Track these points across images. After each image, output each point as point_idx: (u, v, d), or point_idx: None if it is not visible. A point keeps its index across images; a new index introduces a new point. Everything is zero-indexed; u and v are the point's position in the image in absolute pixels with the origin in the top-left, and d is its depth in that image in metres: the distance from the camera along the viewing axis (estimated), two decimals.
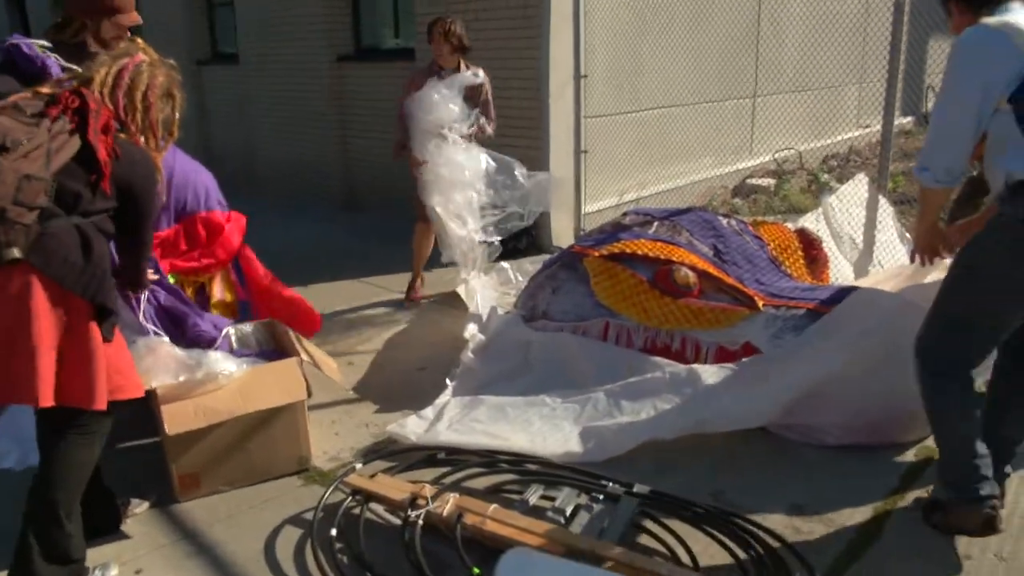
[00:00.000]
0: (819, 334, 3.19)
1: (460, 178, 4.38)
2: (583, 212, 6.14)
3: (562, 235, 6.08)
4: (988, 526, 2.36)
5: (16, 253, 2.19)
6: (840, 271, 4.22)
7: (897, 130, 11.09)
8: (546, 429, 3.19)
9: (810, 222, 4.40)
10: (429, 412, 3.40)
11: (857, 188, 4.55)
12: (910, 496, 2.80)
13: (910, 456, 3.04)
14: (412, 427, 3.27)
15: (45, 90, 2.37)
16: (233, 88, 9.17)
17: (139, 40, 2.67)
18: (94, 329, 2.32)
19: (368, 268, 5.82)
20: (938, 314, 2.45)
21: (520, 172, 4.55)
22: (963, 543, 2.54)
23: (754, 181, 8.11)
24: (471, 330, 3.89)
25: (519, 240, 5.98)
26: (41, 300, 2.23)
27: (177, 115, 2.64)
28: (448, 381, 3.62)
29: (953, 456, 2.46)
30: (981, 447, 2.40)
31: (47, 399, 2.22)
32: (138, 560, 2.65)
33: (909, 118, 11.23)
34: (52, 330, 2.25)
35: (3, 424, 3.28)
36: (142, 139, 2.48)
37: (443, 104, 4.32)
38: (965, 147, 2.30)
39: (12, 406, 3.10)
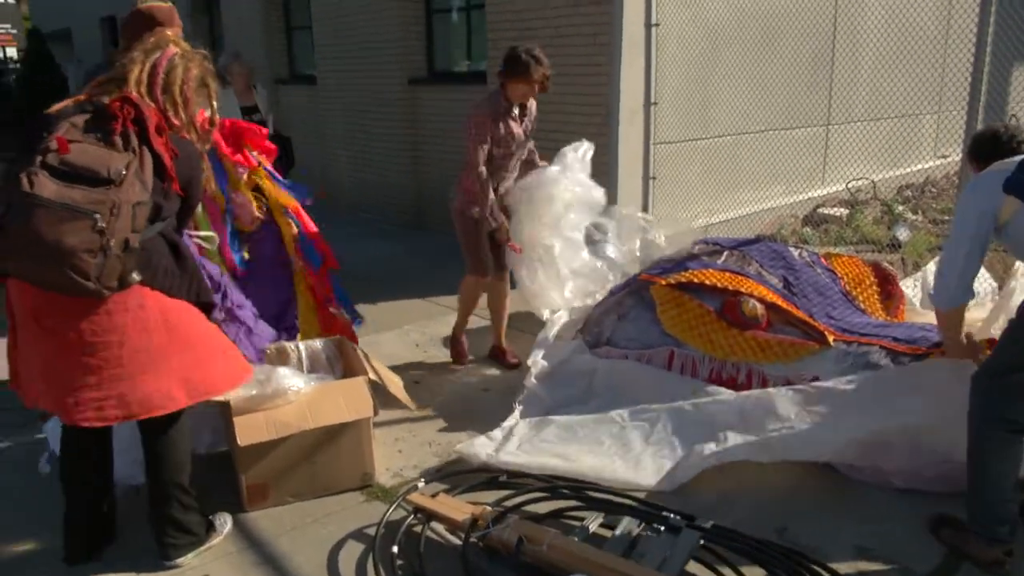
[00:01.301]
0: (902, 377, 3.11)
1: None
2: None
3: None
4: (996, 565, 2.53)
5: (137, 277, 2.35)
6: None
7: None
8: (615, 448, 3.19)
9: (908, 286, 4.30)
10: (498, 433, 3.41)
11: None
12: None
13: None
14: (480, 447, 3.29)
15: (82, 97, 2.41)
16: (310, 107, 9.45)
17: (168, 32, 2.67)
18: (201, 322, 2.57)
19: (434, 288, 5.90)
20: (998, 353, 2.59)
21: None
22: None
23: (825, 211, 7.95)
24: (535, 357, 3.89)
25: None
26: (158, 308, 2.42)
27: (215, 104, 2.70)
28: (515, 405, 3.63)
29: (983, 491, 2.56)
30: (1012, 491, 2.53)
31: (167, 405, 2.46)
32: (206, 566, 2.74)
33: None
34: (168, 334, 2.45)
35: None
36: (186, 133, 2.55)
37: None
38: (967, 271, 2.64)
39: None
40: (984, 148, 2.77)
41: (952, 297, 2.72)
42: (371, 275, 6.44)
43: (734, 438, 3.09)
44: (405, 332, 5.09)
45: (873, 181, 8.31)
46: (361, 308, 5.57)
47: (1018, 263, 3.64)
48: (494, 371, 4.39)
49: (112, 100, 2.34)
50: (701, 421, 3.23)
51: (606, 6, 5.65)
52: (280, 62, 10.03)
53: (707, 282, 3.68)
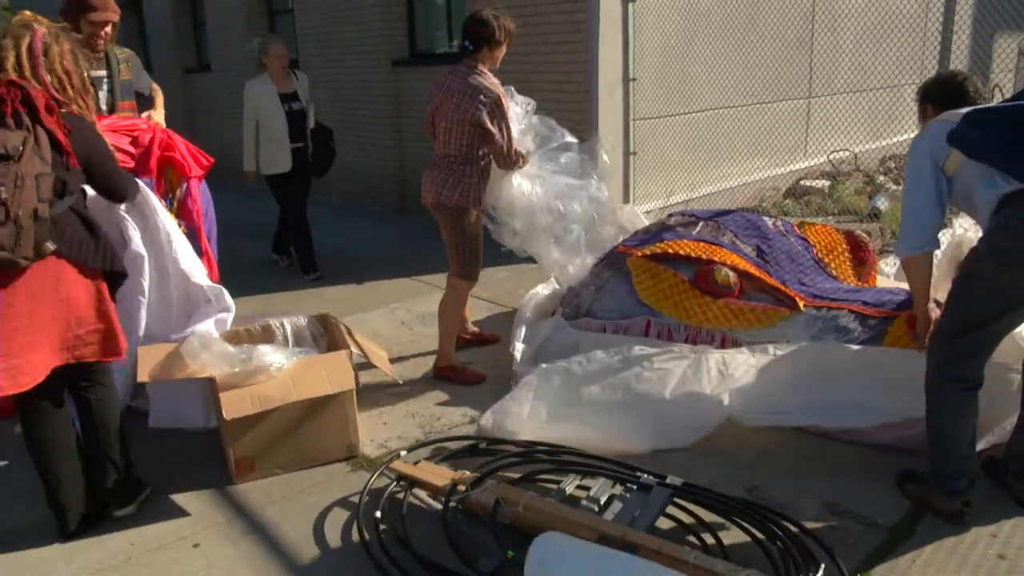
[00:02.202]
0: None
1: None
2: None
3: None
4: (956, 517, 2.64)
5: (52, 246, 2.52)
6: None
7: None
8: (624, 411, 3.16)
9: (889, 264, 4.37)
10: (509, 405, 3.28)
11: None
12: None
13: None
14: (500, 419, 3.25)
15: None
16: None
17: (27, 12, 2.74)
18: (106, 292, 2.72)
19: (419, 267, 5.99)
20: (946, 316, 2.63)
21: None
22: (999, 543, 2.55)
23: (808, 183, 8.03)
24: (515, 342, 3.95)
25: None
26: (75, 277, 2.60)
27: (85, 74, 2.77)
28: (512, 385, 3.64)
29: (943, 449, 2.65)
30: (969, 448, 2.63)
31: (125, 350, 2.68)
32: (196, 536, 2.82)
33: None
34: (70, 305, 2.61)
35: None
36: (75, 107, 2.66)
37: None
38: (929, 217, 2.64)
39: None
40: (934, 93, 2.79)
41: (912, 244, 2.70)
42: (357, 256, 6.52)
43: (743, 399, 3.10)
44: (391, 310, 5.17)
45: (855, 153, 8.37)
46: (348, 288, 5.71)
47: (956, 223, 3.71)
48: (477, 346, 4.46)
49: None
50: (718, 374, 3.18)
51: None
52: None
53: (681, 252, 3.77)
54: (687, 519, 2.65)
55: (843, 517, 2.73)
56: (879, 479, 2.92)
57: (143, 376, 3.04)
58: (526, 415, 3.17)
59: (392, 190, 8.27)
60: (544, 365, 3.34)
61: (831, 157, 8.28)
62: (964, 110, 2.56)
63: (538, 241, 4.00)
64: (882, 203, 6.94)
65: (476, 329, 4.52)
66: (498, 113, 3.65)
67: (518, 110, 3.92)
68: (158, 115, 4.20)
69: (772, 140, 7.66)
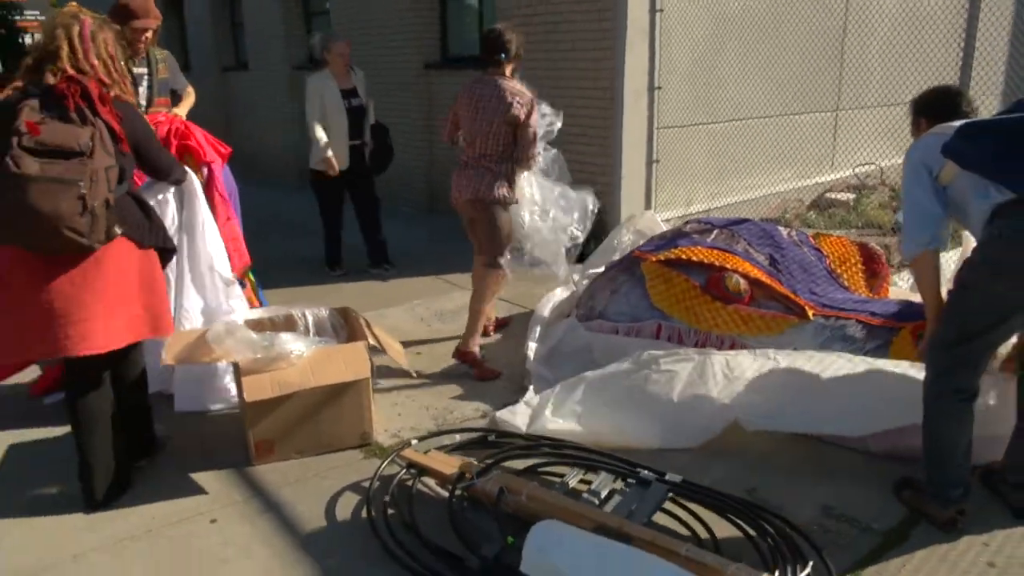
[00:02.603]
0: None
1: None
2: (624, 220, 6.25)
3: None
4: (950, 524, 2.70)
5: (119, 230, 2.77)
6: None
7: None
8: (639, 412, 3.26)
9: (904, 279, 4.43)
10: (529, 403, 3.45)
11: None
12: None
13: None
14: (519, 416, 3.39)
15: (19, 84, 2.71)
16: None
17: (74, 4, 2.95)
18: (160, 271, 2.99)
19: (444, 267, 6.11)
20: (942, 326, 2.70)
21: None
22: (990, 551, 2.60)
23: (833, 195, 8.04)
24: (529, 341, 4.09)
25: (587, 246, 6.17)
26: (136, 255, 2.86)
27: (123, 62, 2.95)
28: (527, 385, 3.77)
29: (939, 458, 2.71)
30: (964, 458, 2.68)
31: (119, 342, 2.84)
32: (213, 512, 2.96)
33: None
34: (134, 281, 2.86)
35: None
36: (117, 90, 2.84)
37: None
38: (930, 213, 2.69)
39: None
40: (927, 107, 2.88)
41: (917, 243, 2.73)
42: (394, 256, 6.64)
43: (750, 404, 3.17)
44: (412, 307, 5.29)
45: (880, 167, 8.36)
46: (372, 285, 5.84)
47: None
48: (492, 344, 4.57)
49: (59, 81, 2.67)
50: (728, 376, 3.25)
51: None
52: (299, 48, 10.24)
53: (694, 258, 3.84)
54: (683, 514, 2.73)
55: (838, 520, 2.79)
56: (876, 485, 2.98)
57: (169, 359, 3.19)
58: (537, 416, 3.28)
59: (422, 190, 8.41)
60: (562, 383, 3.46)
61: (857, 171, 8.27)
62: (957, 123, 2.62)
63: (526, 236, 4.33)
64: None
65: (493, 318, 4.72)
66: (532, 113, 3.95)
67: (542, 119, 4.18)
68: (181, 110, 4.47)
69: (799, 152, 7.68)
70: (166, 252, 3.07)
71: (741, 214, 6.74)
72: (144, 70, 4.47)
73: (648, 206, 6.22)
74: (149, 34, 4.30)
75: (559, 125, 4.31)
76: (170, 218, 3.54)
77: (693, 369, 3.24)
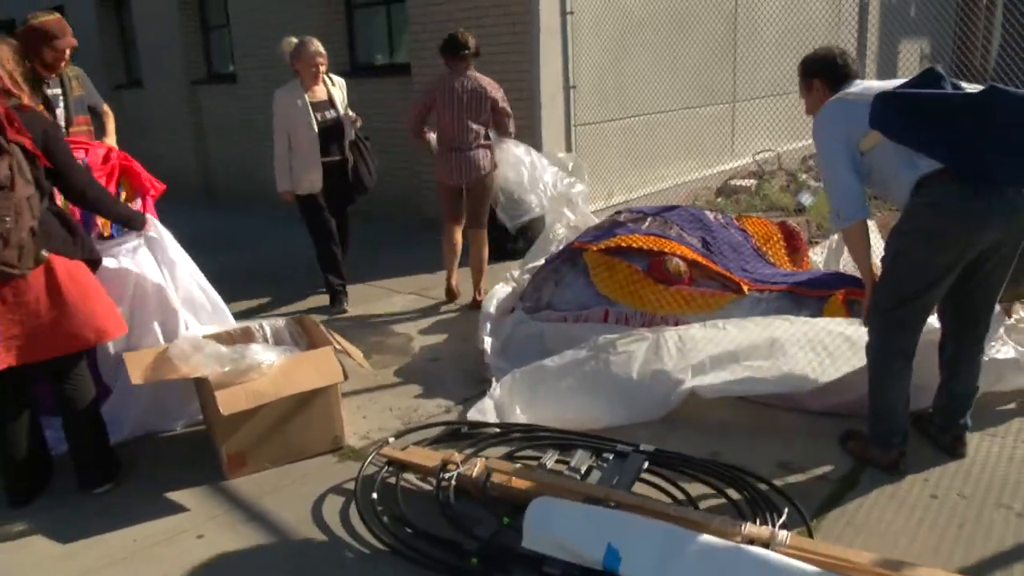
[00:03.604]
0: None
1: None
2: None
3: None
4: (893, 467, 2.97)
5: (46, 254, 2.86)
6: None
7: None
8: (603, 393, 3.43)
9: (816, 253, 4.76)
10: (496, 395, 3.58)
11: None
12: None
13: None
14: (488, 410, 3.52)
15: None
16: (230, 106, 9.47)
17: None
18: (93, 279, 3.05)
19: (374, 272, 6.14)
20: (880, 293, 2.91)
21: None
22: (931, 485, 2.90)
23: (736, 182, 8.50)
24: (482, 334, 4.22)
25: (515, 242, 6.34)
26: (63, 270, 2.91)
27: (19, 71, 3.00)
28: (491, 377, 3.86)
29: (883, 410, 2.98)
30: (904, 408, 2.97)
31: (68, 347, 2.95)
32: (197, 528, 2.95)
33: None
34: (74, 291, 2.92)
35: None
36: (15, 90, 2.89)
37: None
38: (855, 188, 2.85)
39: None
40: (821, 69, 2.99)
41: (844, 217, 2.87)
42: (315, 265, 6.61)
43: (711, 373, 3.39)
44: (358, 314, 5.31)
45: (778, 153, 8.89)
46: (320, 297, 5.80)
47: None
48: (441, 343, 4.67)
49: None
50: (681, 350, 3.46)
51: None
52: (198, 63, 10.01)
53: (634, 245, 4.06)
54: (658, 481, 2.92)
55: (796, 473, 3.04)
56: (822, 440, 3.25)
57: (136, 379, 3.16)
58: (506, 408, 3.41)
59: None
60: (519, 370, 3.60)
61: (756, 157, 8.77)
62: (857, 87, 2.86)
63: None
64: (806, 199, 7.42)
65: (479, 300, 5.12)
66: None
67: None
68: (110, 140, 4.40)
69: (701, 142, 8.09)
70: (92, 263, 3.11)
71: (656, 204, 7.06)
72: (58, 91, 4.34)
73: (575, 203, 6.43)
74: (68, 53, 4.18)
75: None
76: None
77: (648, 347, 3.44)
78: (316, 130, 4.98)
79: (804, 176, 8.82)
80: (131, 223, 3.43)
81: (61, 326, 2.92)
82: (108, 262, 3.30)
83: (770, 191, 8.11)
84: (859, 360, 3.15)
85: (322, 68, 5.01)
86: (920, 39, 11.52)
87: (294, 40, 5.06)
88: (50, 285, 2.89)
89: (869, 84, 2.92)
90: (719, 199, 8.11)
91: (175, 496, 3.17)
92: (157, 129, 10.50)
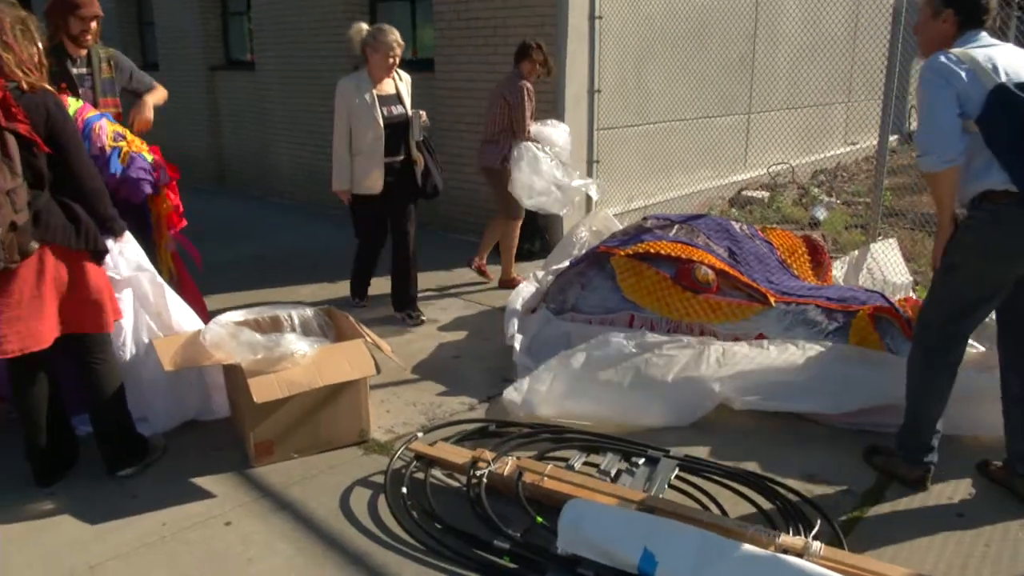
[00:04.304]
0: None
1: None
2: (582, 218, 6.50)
3: None
4: (920, 483, 2.98)
5: (35, 245, 2.78)
6: None
7: None
8: (634, 393, 3.48)
9: (836, 268, 4.78)
10: (525, 386, 3.60)
11: (887, 248, 4.90)
12: None
13: None
14: (522, 398, 3.55)
15: None
16: (248, 94, 9.46)
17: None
18: (95, 269, 2.97)
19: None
20: (933, 305, 2.90)
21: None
22: (956, 503, 2.92)
23: (749, 193, 8.54)
24: (511, 331, 4.23)
25: (532, 243, 6.36)
26: (51, 265, 2.83)
27: (40, 45, 2.90)
28: (515, 376, 3.85)
29: (918, 425, 2.98)
30: (939, 425, 2.97)
31: (50, 339, 2.87)
32: (226, 514, 2.96)
33: (894, 137, 11.77)
34: (60, 285, 2.86)
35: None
36: (20, 73, 2.76)
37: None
38: (957, 130, 2.64)
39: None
40: (966, 3, 2.75)
41: (943, 159, 2.65)
42: (327, 259, 6.62)
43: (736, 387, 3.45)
44: (373, 308, 5.32)
45: (792, 165, 8.93)
46: (324, 287, 5.82)
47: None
48: (462, 340, 4.68)
49: None
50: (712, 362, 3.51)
51: None
52: (216, 48, 9.99)
53: (663, 252, 4.08)
54: (686, 487, 2.94)
55: (820, 484, 3.06)
56: (847, 453, 3.27)
57: (168, 365, 3.16)
58: (545, 392, 3.44)
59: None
60: (565, 351, 3.63)
61: (770, 169, 8.81)
62: (984, 51, 2.67)
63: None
64: (820, 213, 7.47)
65: (513, 276, 5.61)
66: (524, 99, 5.21)
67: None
68: (150, 99, 4.31)
69: (716, 152, 8.13)
70: (99, 254, 3.02)
71: (671, 211, 7.09)
72: (85, 70, 4.31)
73: (590, 203, 6.45)
74: (95, 24, 4.15)
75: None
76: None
77: (692, 355, 3.48)
78: (383, 126, 4.56)
79: (816, 190, 8.87)
80: (112, 226, 3.16)
81: (41, 319, 2.84)
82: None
83: (783, 204, 8.16)
84: (890, 391, 3.21)
85: (398, 59, 4.59)
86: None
87: (365, 26, 4.64)
88: (37, 277, 2.81)
89: (996, 48, 2.71)
90: (732, 209, 8.15)
91: (201, 482, 3.17)
92: (171, 112, 10.44)
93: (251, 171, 9.70)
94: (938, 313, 2.88)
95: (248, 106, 9.49)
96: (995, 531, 2.77)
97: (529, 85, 5.26)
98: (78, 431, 3.36)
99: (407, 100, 4.72)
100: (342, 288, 5.77)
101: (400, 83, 4.72)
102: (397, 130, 4.62)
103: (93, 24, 4.13)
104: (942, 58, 2.69)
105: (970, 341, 3.17)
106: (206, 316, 3.86)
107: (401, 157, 4.70)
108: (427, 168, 4.73)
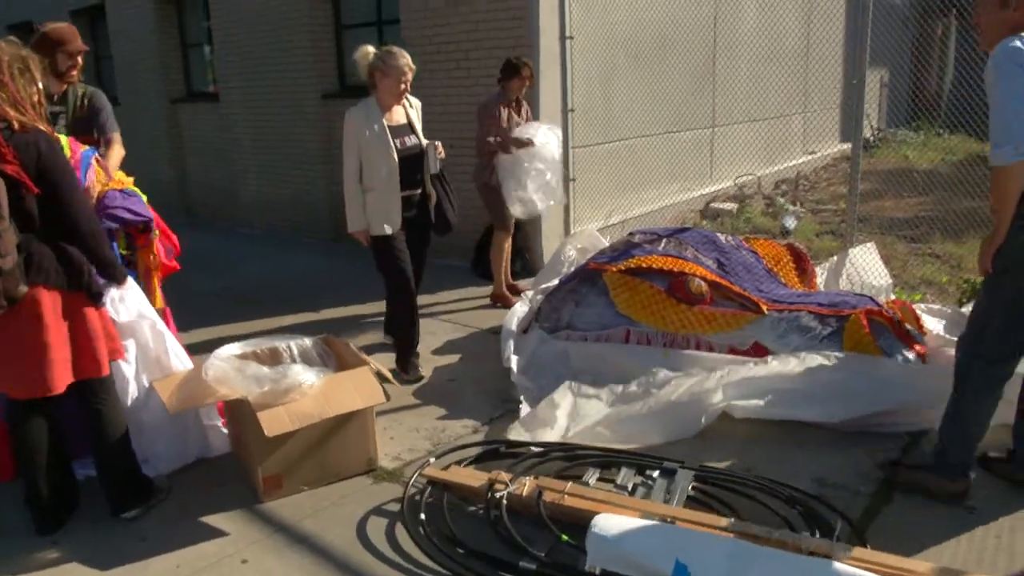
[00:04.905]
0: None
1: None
2: (568, 236, 6.56)
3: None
4: (963, 496, 2.91)
5: (24, 289, 2.70)
6: None
7: (839, 155, 11.97)
8: (644, 416, 3.50)
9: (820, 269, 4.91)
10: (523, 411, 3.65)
11: (865, 252, 5.04)
12: None
13: (904, 437, 3.49)
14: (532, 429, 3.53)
15: None
16: (212, 126, 9.37)
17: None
18: (91, 312, 2.90)
19: (375, 294, 6.09)
20: (990, 317, 2.78)
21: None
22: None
23: (717, 205, 8.69)
24: (507, 352, 4.24)
25: (513, 263, 6.38)
26: (48, 309, 2.75)
27: (39, 85, 2.87)
28: (519, 397, 3.87)
29: (967, 437, 2.87)
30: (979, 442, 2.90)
31: (59, 387, 2.81)
32: (240, 552, 2.90)
33: (848, 144, 12.11)
34: (61, 328, 2.80)
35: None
36: (13, 112, 2.69)
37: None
38: None
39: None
40: None
41: (1019, 145, 2.51)
42: (305, 288, 6.57)
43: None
44: (363, 335, 5.28)
45: (758, 176, 9.12)
46: (308, 316, 5.77)
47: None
48: (456, 363, 4.67)
49: None
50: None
51: (523, 20, 6.07)
52: (176, 81, 9.90)
53: (655, 266, 4.13)
54: (704, 498, 2.96)
55: (832, 488, 3.11)
56: (852, 456, 3.33)
57: (172, 407, 3.11)
58: (552, 426, 3.45)
59: (325, 221, 8.33)
60: (570, 383, 3.67)
61: (737, 181, 8.99)
62: None
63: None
64: (790, 222, 7.63)
65: (513, 283, 5.84)
66: (484, 117, 5.32)
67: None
68: (111, 161, 4.12)
69: (682, 166, 8.27)
70: (94, 295, 2.93)
71: (644, 226, 7.18)
72: (60, 108, 4.25)
73: (568, 221, 6.51)
74: (80, 60, 4.11)
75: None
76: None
77: (696, 380, 3.52)
78: (397, 159, 4.17)
79: (781, 200, 9.07)
80: (112, 273, 3.07)
81: (48, 365, 2.76)
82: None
83: (752, 214, 8.32)
84: (889, 396, 3.35)
85: (409, 85, 4.20)
86: (880, 68, 11.99)
87: (372, 49, 4.20)
88: (34, 322, 2.72)
89: None
90: (704, 222, 8.28)
91: (211, 520, 3.11)
92: (133, 146, 10.30)
93: (218, 202, 9.59)
94: (997, 321, 2.74)
95: (213, 137, 9.40)
96: (1003, 524, 2.84)
97: (494, 104, 5.38)
98: (77, 475, 3.27)
99: (419, 129, 4.37)
100: (326, 316, 5.75)
101: (411, 110, 4.36)
102: (410, 163, 4.23)
103: (79, 60, 4.09)
104: (1017, 42, 2.54)
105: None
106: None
107: (419, 191, 4.35)
108: (439, 203, 4.42)
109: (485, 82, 6.38)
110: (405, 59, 4.12)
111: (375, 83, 4.16)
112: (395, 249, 4.25)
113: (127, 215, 3.47)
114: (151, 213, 3.61)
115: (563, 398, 3.55)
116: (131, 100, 10.25)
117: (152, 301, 3.66)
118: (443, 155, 4.36)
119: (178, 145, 9.96)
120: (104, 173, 3.57)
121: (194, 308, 5.68)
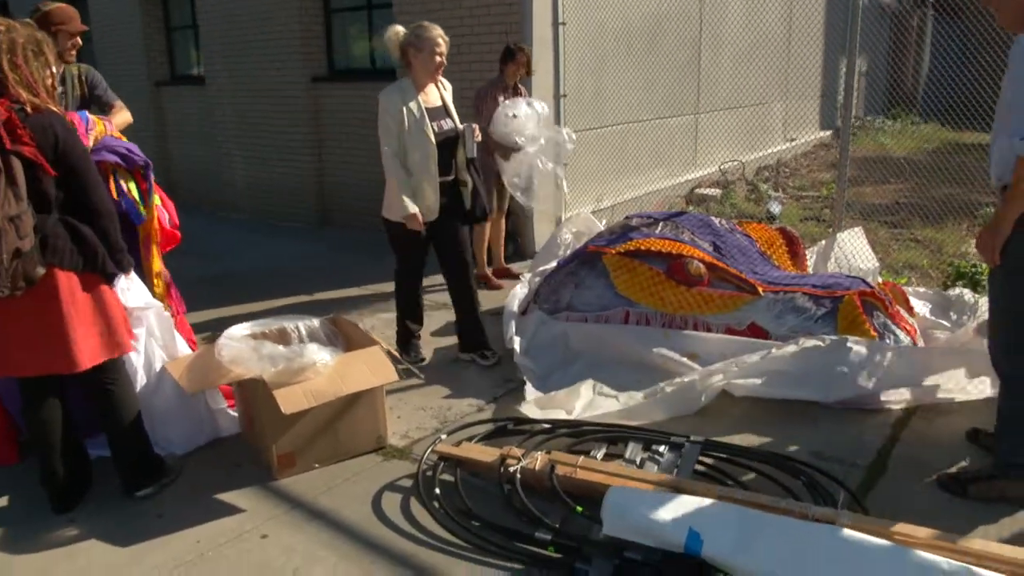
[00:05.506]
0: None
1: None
2: (563, 220, 6.64)
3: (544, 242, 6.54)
4: None
5: (42, 270, 2.72)
6: None
7: (818, 142, 12.15)
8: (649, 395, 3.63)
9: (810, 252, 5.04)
10: (531, 394, 3.74)
11: (853, 236, 5.16)
12: (904, 440, 3.38)
13: (897, 412, 3.63)
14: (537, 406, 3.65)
15: None
16: (198, 110, 9.30)
17: None
18: (108, 292, 2.93)
19: (364, 278, 6.15)
20: (1017, 318, 2.76)
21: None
22: (955, 471, 3.13)
23: (701, 191, 8.81)
24: (509, 334, 4.32)
25: (505, 247, 6.46)
26: (65, 289, 2.78)
27: (53, 68, 2.88)
28: (526, 381, 3.94)
29: None
30: None
31: (85, 364, 2.85)
32: (259, 528, 2.96)
33: (827, 132, 12.31)
34: (80, 308, 2.82)
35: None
36: (26, 95, 2.69)
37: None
38: None
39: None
40: None
41: None
42: (296, 272, 6.59)
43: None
44: (358, 318, 5.32)
45: (743, 163, 9.25)
46: (301, 301, 5.80)
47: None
48: (455, 344, 4.73)
49: None
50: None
51: (516, 6, 6.11)
52: (161, 63, 9.80)
53: (653, 248, 4.23)
54: (710, 471, 3.07)
55: (831, 461, 3.24)
56: (844, 430, 3.47)
57: (188, 388, 3.15)
58: (567, 411, 3.58)
59: (310, 206, 8.33)
60: (593, 383, 3.78)
61: (722, 167, 9.11)
62: None
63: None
64: (775, 208, 7.77)
65: (506, 266, 6.04)
66: (480, 105, 5.42)
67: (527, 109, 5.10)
68: (115, 119, 4.16)
69: (668, 152, 8.38)
70: (108, 275, 2.96)
71: (633, 211, 7.28)
72: (60, 88, 4.25)
73: (561, 205, 6.58)
74: (78, 40, 4.11)
75: (571, 146, 5.34)
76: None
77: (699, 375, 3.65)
78: (434, 143, 3.99)
79: (764, 186, 9.22)
80: (120, 259, 3.01)
81: (71, 342, 2.80)
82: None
83: (737, 200, 8.45)
84: (881, 376, 3.50)
85: (444, 58, 4.01)
86: (858, 56, 12.18)
87: (400, 28, 4.01)
88: (52, 302, 2.76)
89: None
90: (689, 207, 8.40)
91: (227, 498, 3.16)
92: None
93: (203, 186, 9.54)
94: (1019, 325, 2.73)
95: (198, 121, 9.33)
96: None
97: (491, 90, 5.49)
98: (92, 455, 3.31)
99: (454, 112, 4.20)
100: (320, 299, 5.78)
101: (445, 92, 4.18)
102: (445, 147, 4.05)
103: (78, 40, 4.10)
104: None
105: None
106: (192, 341, 3.85)
107: (451, 177, 4.13)
108: (475, 188, 4.20)
109: (478, 67, 6.42)
110: (438, 30, 3.95)
111: (409, 61, 3.98)
112: (418, 242, 4.15)
113: (127, 152, 3.49)
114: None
115: (585, 393, 3.66)
116: (113, 83, 10.07)
117: (152, 266, 3.67)
118: (480, 138, 4.21)
119: (161, 129, 9.88)
120: (103, 123, 3.58)
121: (184, 293, 5.66)
